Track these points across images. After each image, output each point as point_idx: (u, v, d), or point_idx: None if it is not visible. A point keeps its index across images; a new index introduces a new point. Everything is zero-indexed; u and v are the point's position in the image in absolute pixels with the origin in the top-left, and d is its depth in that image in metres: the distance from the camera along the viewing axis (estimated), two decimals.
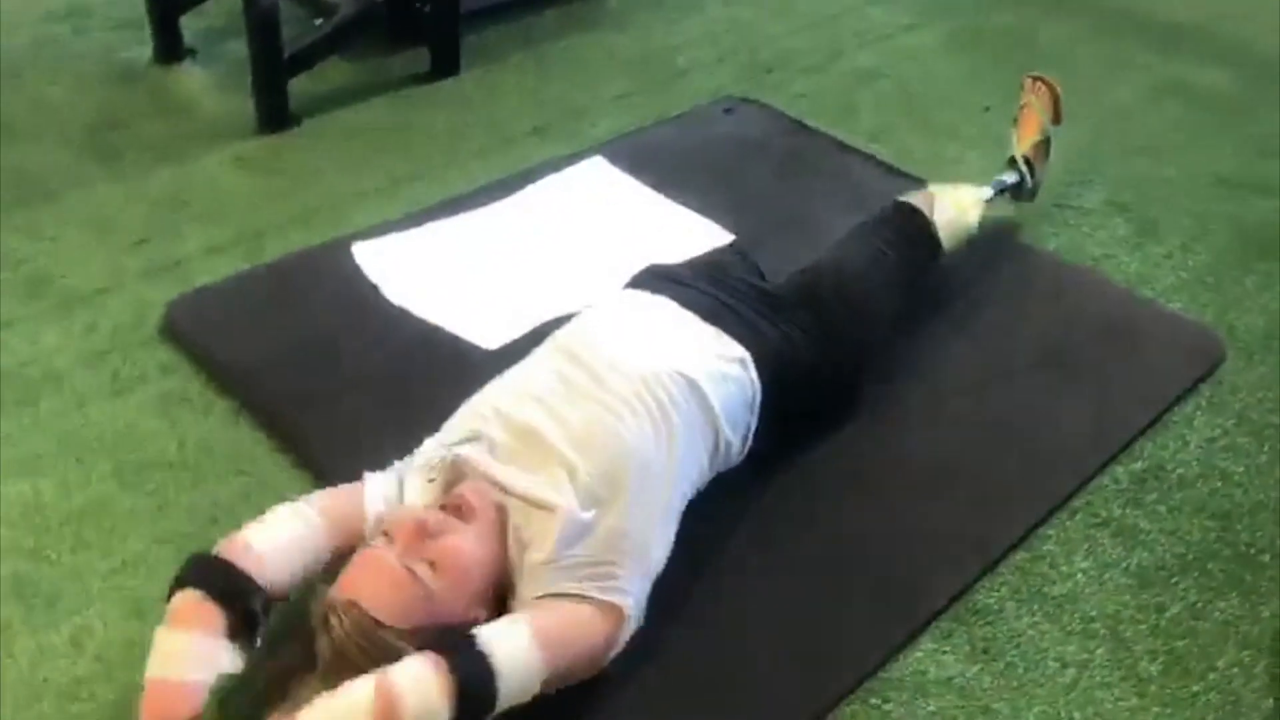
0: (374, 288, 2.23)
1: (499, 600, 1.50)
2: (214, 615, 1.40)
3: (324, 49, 2.80)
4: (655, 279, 1.90)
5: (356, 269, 2.28)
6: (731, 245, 2.17)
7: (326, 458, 1.84)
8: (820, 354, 1.85)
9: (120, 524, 1.79)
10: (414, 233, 2.39)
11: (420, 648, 1.35)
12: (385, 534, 1.45)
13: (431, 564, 1.41)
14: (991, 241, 2.46)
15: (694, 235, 2.38)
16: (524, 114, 2.88)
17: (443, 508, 1.51)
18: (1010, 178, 2.39)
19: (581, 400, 1.61)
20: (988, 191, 2.32)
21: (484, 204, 2.48)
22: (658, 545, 1.58)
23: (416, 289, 2.23)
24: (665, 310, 1.81)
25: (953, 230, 2.17)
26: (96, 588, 1.68)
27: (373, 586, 1.39)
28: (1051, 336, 2.21)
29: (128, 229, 2.41)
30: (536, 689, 1.40)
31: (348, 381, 2.02)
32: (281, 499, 1.75)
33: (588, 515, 1.50)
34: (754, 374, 1.76)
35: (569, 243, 2.38)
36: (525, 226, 2.43)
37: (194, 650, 1.38)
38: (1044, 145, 2.41)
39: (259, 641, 1.43)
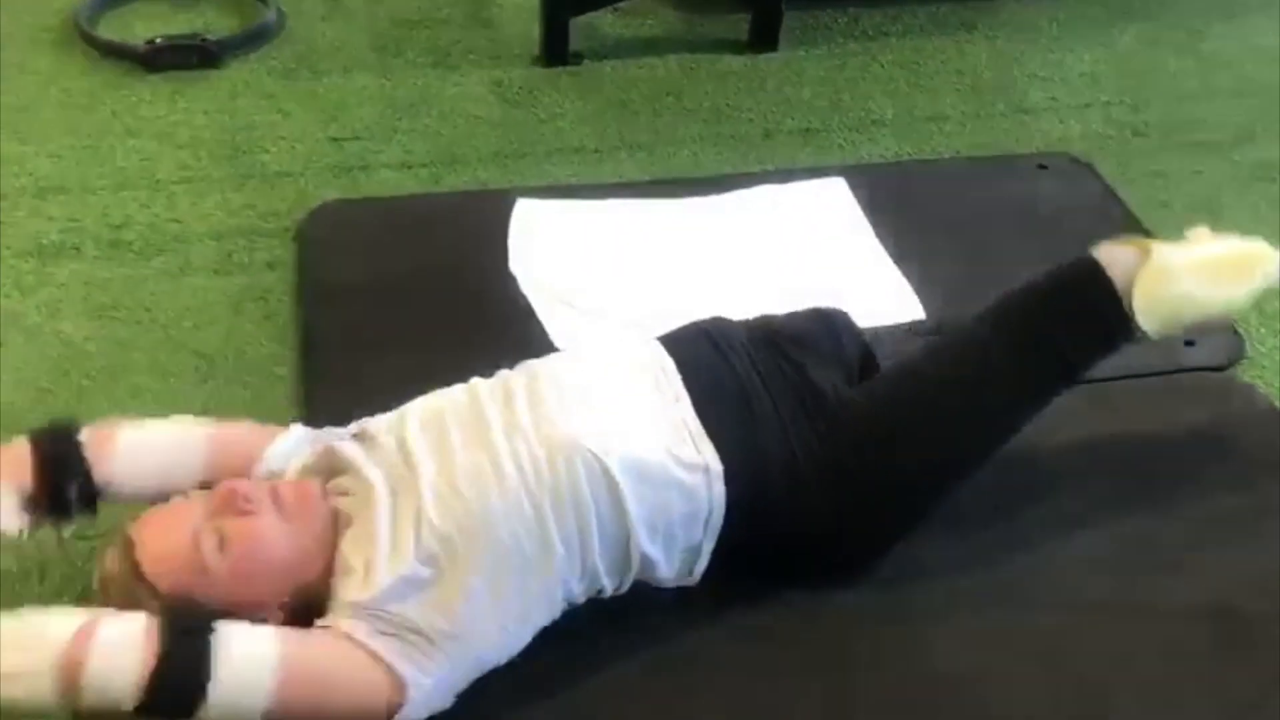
0: (505, 249, 2.08)
1: (304, 610, 1.33)
2: (23, 471, 1.37)
3: None
4: (697, 337, 1.58)
5: (503, 225, 2.13)
6: (834, 312, 1.69)
7: (321, 405, 1.73)
8: (829, 501, 1.45)
9: (81, 382, 1.80)
10: (582, 204, 2.19)
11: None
12: (203, 488, 1.36)
13: (222, 541, 1.29)
14: (1239, 425, 1.81)
15: (875, 299, 1.97)
16: (807, 110, 2.53)
17: (273, 490, 1.36)
18: None
19: (478, 443, 1.39)
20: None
21: (678, 195, 2.22)
22: (492, 640, 1.34)
23: (540, 262, 2.04)
24: (659, 383, 1.49)
25: (1165, 314, 1.51)
26: None
27: (154, 537, 1.32)
28: (1241, 582, 1.57)
29: (349, 123, 2.43)
30: (256, 716, 1.24)
31: (402, 340, 1.89)
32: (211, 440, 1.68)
33: (426, 572, 1.31)
34: (717, 490, 1.42)
35: (726, 266, 2.06)
36: (699, 234, 2.14)
37: None
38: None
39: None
